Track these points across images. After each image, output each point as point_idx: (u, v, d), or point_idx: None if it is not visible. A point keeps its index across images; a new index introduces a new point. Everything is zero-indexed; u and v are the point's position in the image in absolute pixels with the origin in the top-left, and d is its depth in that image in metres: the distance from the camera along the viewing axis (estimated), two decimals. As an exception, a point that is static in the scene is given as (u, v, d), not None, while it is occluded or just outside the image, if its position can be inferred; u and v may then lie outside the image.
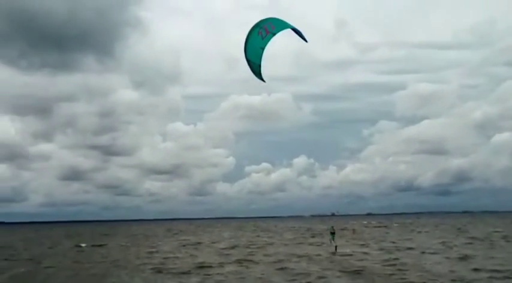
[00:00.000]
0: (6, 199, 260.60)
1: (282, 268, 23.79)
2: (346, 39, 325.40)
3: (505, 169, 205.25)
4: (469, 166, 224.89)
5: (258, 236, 57.55)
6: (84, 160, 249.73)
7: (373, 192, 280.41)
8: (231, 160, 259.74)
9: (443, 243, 37.87)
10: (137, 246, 43.33)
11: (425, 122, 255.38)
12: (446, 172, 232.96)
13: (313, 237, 51.94)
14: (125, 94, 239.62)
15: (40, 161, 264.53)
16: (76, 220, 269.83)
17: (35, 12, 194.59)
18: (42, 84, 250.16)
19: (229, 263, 26.77)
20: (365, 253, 30.75)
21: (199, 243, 46.26)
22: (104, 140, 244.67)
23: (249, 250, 35.34)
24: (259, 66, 13.49)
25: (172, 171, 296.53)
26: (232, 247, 38.37)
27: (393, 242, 40.22)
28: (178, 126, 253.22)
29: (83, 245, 46.44)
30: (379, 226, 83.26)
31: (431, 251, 30.95)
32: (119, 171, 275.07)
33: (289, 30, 13.26)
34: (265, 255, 30.44)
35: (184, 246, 42.41)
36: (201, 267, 25.27)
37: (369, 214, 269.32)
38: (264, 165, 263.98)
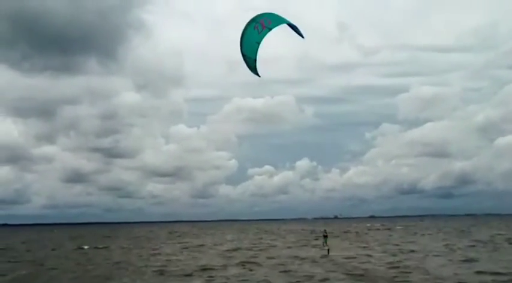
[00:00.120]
0: (9, 201, 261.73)
1: (285, 271, 23.73)
2: (348, 42, 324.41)
3: (507, 172, 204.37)
4: (472, 169, 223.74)
5: (261, 238, 57.47)
6: (86, 163, 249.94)
7: (376, 194, 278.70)
8: (233, 162, 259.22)
9: (446, 245, 37.75)
10: (140, 248, 43.31)
11: (428, 124, 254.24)
12: (449, 175, 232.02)
13: (316, 239, 51.73)
14: (128, 96, 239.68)
15: (43, 163, 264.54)
16: (79, 222, 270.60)
17: (37, 15, 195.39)
18: (45, 86, 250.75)
19: (232, 266, 26.70)
20: (368, 255, 30.65)
21: (201, 245, 46.22)
22: (106, 142, 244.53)
23: (252, 252, 35.27)
24: (255, 60, 13.41)
25: (175, 174, 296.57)
26: (235, 250, 38.32)
27: (396, 245, 40.09)
28: (181, 128, 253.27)
29: (86, 247, 46.48)
30: (382, 229, 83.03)
31: (435, 254, 30.84)
32: (121, 173, 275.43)
33: (286, 25, 13.21)
34: (268, 258, 30.36)
35: (186, 248, 42.37)
36: (204, 269, 25.21)
37: (371, 217, 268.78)
38: (267, 167, 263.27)
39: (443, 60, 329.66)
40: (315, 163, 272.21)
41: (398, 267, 24.13)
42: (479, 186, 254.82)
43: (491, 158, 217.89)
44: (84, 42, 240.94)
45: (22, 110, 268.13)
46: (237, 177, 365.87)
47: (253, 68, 13.60)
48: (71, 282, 22.83)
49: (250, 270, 24.36)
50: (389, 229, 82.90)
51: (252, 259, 29.47)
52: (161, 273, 24.29)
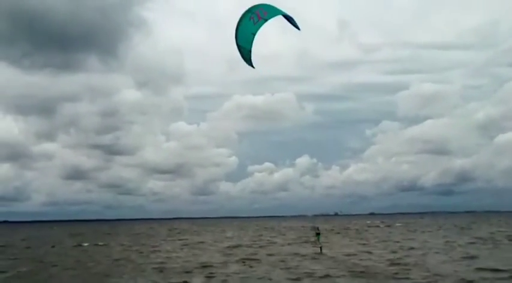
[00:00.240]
0: (9, 198, 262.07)
1: (285, 268, 23.72)
2: (349, 39, 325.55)
3: (507, 170, 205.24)
4: (472, 167, 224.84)
5: (261, 235, 57.48)
6: (87, 160, 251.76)
7: (376, 192, 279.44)
8: (233, 159, 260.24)
9: (446, 242, 37.73)
10: (140, 245, 43.29)
11: (428, 122, 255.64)
12: (449, 172, 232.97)
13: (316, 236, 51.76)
14: (128, 94, 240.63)
15: (43, 160, 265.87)
16: (79, 219, 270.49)
17: (38, 12, 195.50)
18: (45, 84, 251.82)
19: (233, 262, 26.68)
20: (368, 252, 30.63)
21: (202, 242, 46.20)
22: (107, 139, 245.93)
23: (252, 249, 35.26)
24: (250, 51, 13.26)
25: (175, 171, 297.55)
26: (236, 247, 38.29)
27: (397, 242, 40.07)
28: (181, 125, 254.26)
29: (86, 244, 46.49)
30: (382, 226, 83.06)
31: (435, 251, 30.82)
32: (121, 170, 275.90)
33: (282, 17, 13.06)
34: (268, 255, 30.35)
35: (187, 245, 42.36)
36: (204, 266, 25.18)
37: (371, 214, 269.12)
38: (267, 164, 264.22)
39: (443, 57, 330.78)
40: (315, 160, 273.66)
41: (398, 264, 24.09)
42: (480, 183, 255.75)
43: (491, 155, 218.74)
44: (85, 40, 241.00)
45: (22, 107, 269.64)
46: (237, 174, 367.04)
47: (248, 59, 13.44)
48: (71, 279, 22.80)
49: (251, 267, 24.33)
50: (389, 226, 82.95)
51: (252, 256, 29.46)
52: (161, 270, 24.26)
